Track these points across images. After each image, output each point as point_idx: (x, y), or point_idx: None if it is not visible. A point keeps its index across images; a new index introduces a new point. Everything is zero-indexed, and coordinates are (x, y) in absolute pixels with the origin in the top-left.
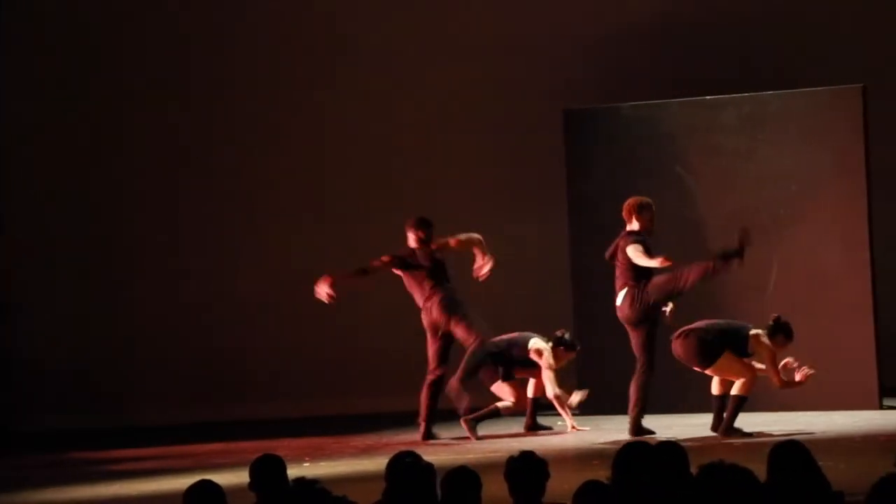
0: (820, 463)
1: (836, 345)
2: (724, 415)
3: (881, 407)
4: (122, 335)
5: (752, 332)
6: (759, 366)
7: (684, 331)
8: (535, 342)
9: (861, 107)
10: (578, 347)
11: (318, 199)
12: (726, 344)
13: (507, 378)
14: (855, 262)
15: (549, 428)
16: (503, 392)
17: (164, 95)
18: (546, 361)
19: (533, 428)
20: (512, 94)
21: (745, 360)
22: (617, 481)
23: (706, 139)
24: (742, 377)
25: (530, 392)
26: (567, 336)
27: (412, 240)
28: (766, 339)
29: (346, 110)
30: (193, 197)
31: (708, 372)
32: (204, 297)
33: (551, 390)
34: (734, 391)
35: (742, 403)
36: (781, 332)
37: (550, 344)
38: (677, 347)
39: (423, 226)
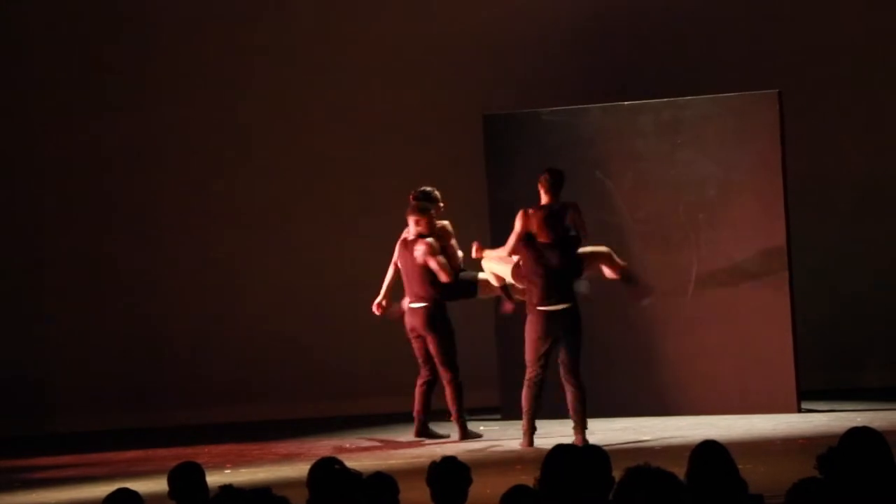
0: (740, 466)
1: (755, 348)
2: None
3: (800, 410)
4: (37, 342)
5: None
6: None
7: None
8: None
9: (777, 111)
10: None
11: (235, 206)
12: None
13: None
14: (773, 266)
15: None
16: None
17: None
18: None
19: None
20: (429, 99)
21: None
22: (545, 485)
23: (625, 144)
24: None
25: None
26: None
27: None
28: None
29: (259, 114)
30: (100, 207)
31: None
32: (119, 303)
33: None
34: None
35: None
36: None
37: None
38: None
39: None
